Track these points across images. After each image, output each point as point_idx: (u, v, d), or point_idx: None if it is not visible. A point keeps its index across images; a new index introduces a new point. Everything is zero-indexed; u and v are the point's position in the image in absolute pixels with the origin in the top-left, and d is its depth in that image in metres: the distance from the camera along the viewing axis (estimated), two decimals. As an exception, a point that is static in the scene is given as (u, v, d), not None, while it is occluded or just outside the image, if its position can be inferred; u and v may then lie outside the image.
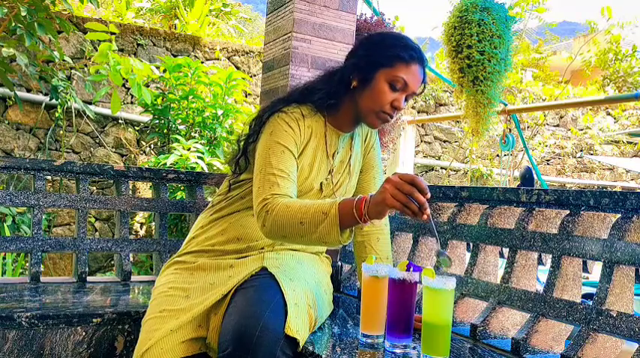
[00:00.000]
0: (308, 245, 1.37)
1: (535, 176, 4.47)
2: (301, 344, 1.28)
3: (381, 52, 1.48)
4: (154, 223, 3.06)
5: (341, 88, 1.52)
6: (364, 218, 1.22)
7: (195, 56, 5.45)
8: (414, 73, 1.46)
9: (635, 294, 1.45)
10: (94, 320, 1.60)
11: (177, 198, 3.42)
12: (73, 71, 4.83)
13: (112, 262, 4.91)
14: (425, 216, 1.18)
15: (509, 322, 1.54)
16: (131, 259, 2.19)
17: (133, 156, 5.08)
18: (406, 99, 1.50)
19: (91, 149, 4.98)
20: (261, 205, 1.35)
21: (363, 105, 1.49)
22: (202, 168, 3.60)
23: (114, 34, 3.64)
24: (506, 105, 4.36)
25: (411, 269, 1.34)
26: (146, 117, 4.82)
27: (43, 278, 2.02)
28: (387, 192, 1.18)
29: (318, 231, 1.25)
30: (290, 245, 1.55)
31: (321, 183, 1.57)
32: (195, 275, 1.46)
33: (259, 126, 1.51)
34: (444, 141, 7.35)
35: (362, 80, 1.48)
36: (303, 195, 1.54)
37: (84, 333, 1.59)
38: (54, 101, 4.05)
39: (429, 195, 1.18)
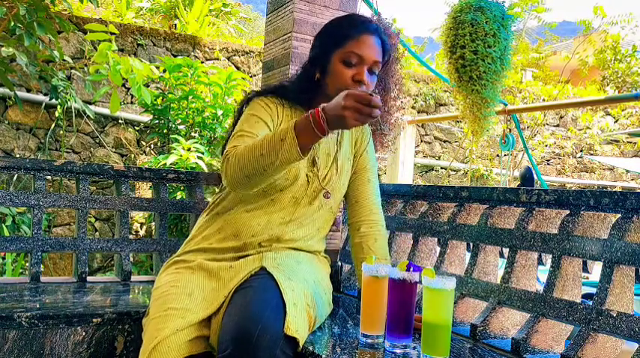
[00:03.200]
0: (270, 176, 1.36)
1: (535, 176, 4.47)
2: (301, 343, 1.28)
3: (330, 37, 1.54)
4: (154, 223, 3.06)
5: (309, 84, 1.58)
6: (326, 132, 1.27)
7: (195, 56, 5.45)
8: (365, 43, 1.50)
9: (635, 294, 1.45)
10: (94, 320, 1.60)
11: (177, 198, 3.42)
12: (73, 71, 4.83)
13: (112, 262, 4.91)
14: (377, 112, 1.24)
15: (509, 322, 1.54)
16: (131, 259, 2.19)
17: (133, 156, 5.08)
18: (372, 72, 1.53)
19: (91, 149, 4.99)
20: (223, 158, 1.40)
21: (330, 91, 1.53)
22: (202, 168, 3.60)
23: (114, 34, 3.64)
24: (506, 105, 4.36)
25: (411, 269, 1.34)
26: (146, 117, 4.82)
27: (43, 278, 2.02)
28: (350, 118, 1.23)
29: (279, 157, 1.29)
30: (288, 244, 1.56)
31: (307, 175, 1.58)
32: (196, 273, 1.46)
33: (239, 112, 1.59)
34: (444, 141, 7.35)
35: (322, 70, 1.54)
36: (291, 184, 1.55)
37: (84, 333, 1.59)
38: (54, 101, 4.05)
39: (380, 103, 1.24)
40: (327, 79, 1.53)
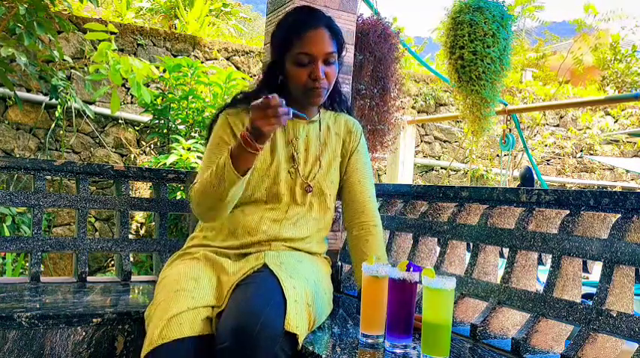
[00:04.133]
0: (230, 200, 1.44)
1: (535, 176, 4.47)
2: (300, 340, 1.28)
3: (278, 42, 1.56)
4: (154, 223, 3.06)
5: (274, 87, 1.60)
6: (257, 148, 1.34)
7: (195, 56, 5.45)
8: (310, 40, 1.50)
9: (635, 294, 1.45)
10: (94, 320, 1.60)
11: (177, 198, 3.42)
12: (73, 71, 4.83)
13: (112, 262, 4.91)
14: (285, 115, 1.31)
15: (510, 322, 1.54)
16: (131, 259, 2.19)
17: (133, 156, 5.07)
18: (329, 63, 1.53)
19: (91, 149, 4.98)
20: (191, 200, 1.50)
21: (292, 93, 1.57)
22: (202, 168, 3.59)
23: (113, 33, 3.64)
24: (506, 105, 4.36)
25: (411, 269, 1.34)
26: (146, 117, 4.82)
27: (43, 278, 2.02)
28: (263, 126, 1.29)
29: (226, 182, 1.37)
30: (288, 243, 1.57)
31: (289, 172, 1.60)
32: (201, 262, 1.48)
33: (210, 128, 1.64)
34: (444, 141, 7.35)
35: (282, 73, 1.57)
36: (274, 183, 1.57)
37: (84, 333, 1.59)
38: (54, 101, 4.05)
39: (278, 100, 1.30)
40: (288, 82, 1.56)
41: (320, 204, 1.64)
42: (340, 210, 1.85)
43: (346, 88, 2.27)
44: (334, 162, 1.68)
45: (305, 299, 1.37)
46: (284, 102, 1.30)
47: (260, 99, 1.29)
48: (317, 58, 1.50)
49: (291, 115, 1.34)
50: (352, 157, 1.71)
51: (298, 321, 1.28)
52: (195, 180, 1.51)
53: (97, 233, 4.93)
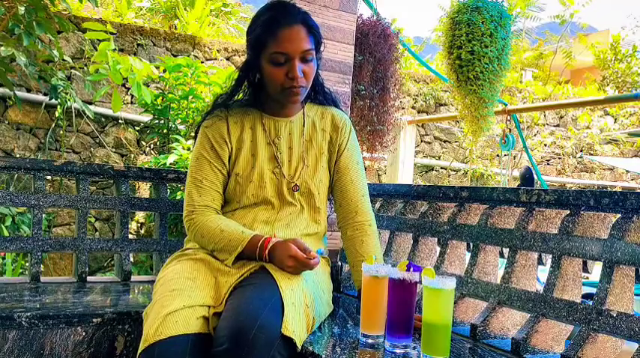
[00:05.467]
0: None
1: (535, 176, 4.48)
2: (298, 344, 1.27)
3: (253, 42, 1.51)
4: (154, 223, 3.06)
5: (253, 87, 1.61)
6: (266, 260, 1.43)
7: (195, 56, 5.45)
8: (285, 39, 1.45)
9: (635, 294, 1.45)
10: (94, 320, 1.60)
11: (177, 198, 3.42)
12: (72, 71, 4.83)
13: (112, 262, 4.91)
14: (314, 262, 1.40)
15: (509, 322, 1.54)
16: (131, 259, 2.19)
17: (132, 156, 5.07)
18: (306, 60, 1.49)
19: (91, 149, 4.98)
20: (186, 220, 1.56)
21: (269, 92, 1.55)
22: (202, 168, 3.58)
23: (112, 34, 3.64)
24: (506, 105, 4.37)
25: (411, 269, 1.34)
26: (146, 117, 4.82)
27: (43, 278, 2.02)
28: (291, 271, 1.39)
29: (223, 256, 1.48)
30: None
31: (273, 172, 1.58)
32: (199, 263, 1.47)
33: (196, 133, 1.64)
34: (444, 141, 7.35)
35: (259, 72, 1.55)
36: (259, 186, 1.56)
37: (84, 333, 1.59)
38: (54, 101, 4.05)
39: (318, 261, 1.41)
40: (264, 81, 1.53)
41: (310, 204, 1.62)
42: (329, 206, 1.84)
43: (346, 89, 2.27)
44: (321, 160, 1.64)
45: (303, 300, 1.37)
46: (319, 258, 1.41)
47: (306, 258, 1.38)
48: (293, 57, 1.46)
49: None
50: (342, 155, 1.66)
51: (295, 325, 1.28)
52: (189, 202, 1.55)
53: (97, 233, 4.93)
